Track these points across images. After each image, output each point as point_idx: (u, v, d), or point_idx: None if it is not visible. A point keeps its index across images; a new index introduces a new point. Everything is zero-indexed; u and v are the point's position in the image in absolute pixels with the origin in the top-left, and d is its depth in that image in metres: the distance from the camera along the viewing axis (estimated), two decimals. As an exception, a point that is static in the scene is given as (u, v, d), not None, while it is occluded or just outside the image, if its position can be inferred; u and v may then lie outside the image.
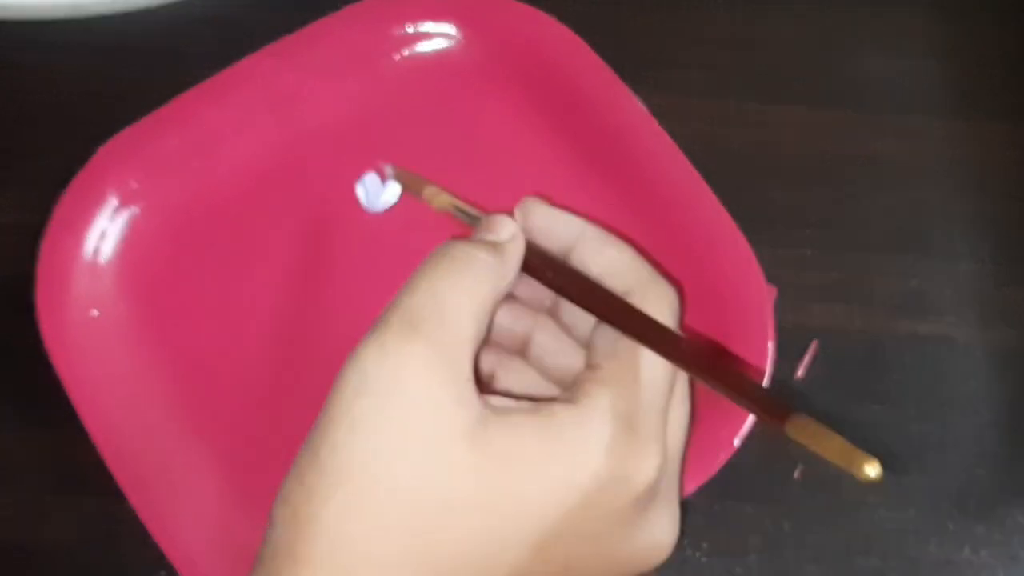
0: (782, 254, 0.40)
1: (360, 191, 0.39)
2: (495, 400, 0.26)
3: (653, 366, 0.27)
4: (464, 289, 0.26)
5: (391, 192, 0.39)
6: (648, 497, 0.27)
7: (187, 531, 0.33)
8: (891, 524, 0.37)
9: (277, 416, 0.36)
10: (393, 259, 0.38)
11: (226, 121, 0.39)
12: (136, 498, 0.33)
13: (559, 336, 0.31)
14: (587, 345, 0.29)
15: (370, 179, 0.39)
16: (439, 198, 0.34)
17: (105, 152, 0.37)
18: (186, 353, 0.37)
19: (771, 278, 0.37)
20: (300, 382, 0.37)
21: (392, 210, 0.39)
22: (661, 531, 0.28)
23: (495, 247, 0.28)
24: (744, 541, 0.36)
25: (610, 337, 0.28)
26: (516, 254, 0.29)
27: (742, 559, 0.36)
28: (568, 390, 0.27)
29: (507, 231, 0.30)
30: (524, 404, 0.26)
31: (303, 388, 0.37)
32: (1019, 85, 0.43)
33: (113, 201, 0.38)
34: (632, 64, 0.42)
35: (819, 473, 0.37)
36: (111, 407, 0.35)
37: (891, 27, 0.44)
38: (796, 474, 0.37)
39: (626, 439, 0.26)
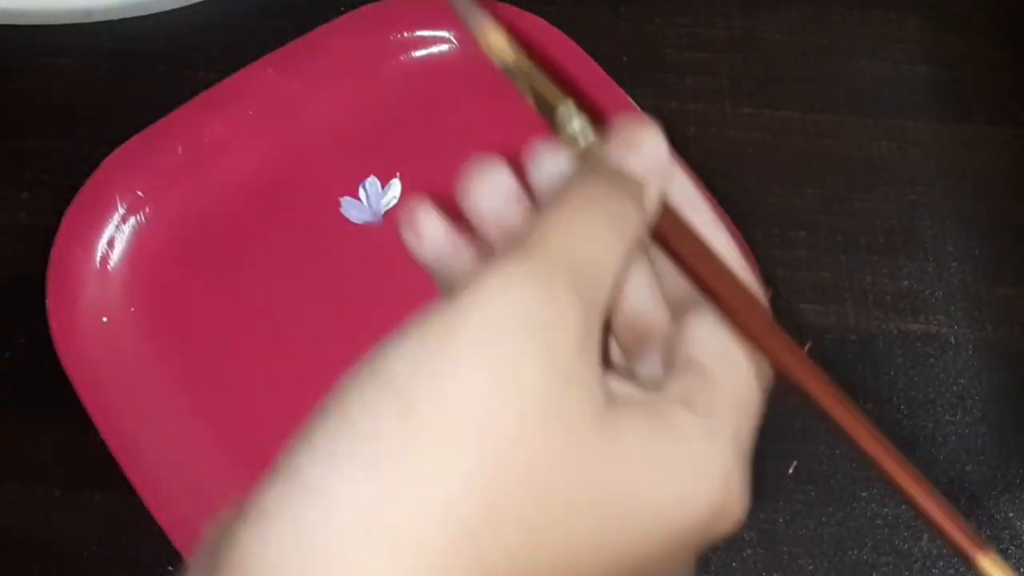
0: (776, 255, 0.41)
1: (347, 208, 0.39)
2: (611, 380, 0.21)
3: (754, 383, 0.23)
4: (609, 242, 0.21)
5: (391, 195, 0.40)
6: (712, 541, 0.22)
7: (198, 526, 0.34)
8: (883, 519, 0.37)
9: (282, 413, 0.37)
10: (394, 261, 0.39)
11: (229, 130, 0.39)
12: (147, 494, 0.34)
13: (652, 286, 0.25)
14: (675, 310, 0.24)
15: (371, 183, 0.40)
16: (504, 51, 0.25)
17: (110, 162, 0.38)
18: (192, 354, 0.37)
19: (765, 279, 0.37)
20: (305, 380, 0.37)
21: (392, 214, 0.40)
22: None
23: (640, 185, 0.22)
24: (739, 535, 0.37)
25: (710, 328, 0.23)
26: (659, 191, 0.23)
27: (737, 553, 0.36)
28: (660, 383, 0.22)
29: (652, 153, 0.23)
30: (631, 389, 0.22)
31: (308, 385, 0.37)
32: (1009, 89, 0.44)
33: (120, 210, 0.38)
34: (629, 68, 0.43)
35: (812, 469, 0.38)
36: (122, 408, 0.35)
37: (885, 32, 0.45)
38: (790, 470, 0.38)
39: (738, 473, 0.22)
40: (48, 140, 0.42)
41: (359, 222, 0.39)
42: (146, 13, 0.43)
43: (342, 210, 0.40)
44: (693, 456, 0.21)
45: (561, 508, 0.19)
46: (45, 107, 0.42)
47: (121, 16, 0.43)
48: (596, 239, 0.21)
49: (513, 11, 0.41)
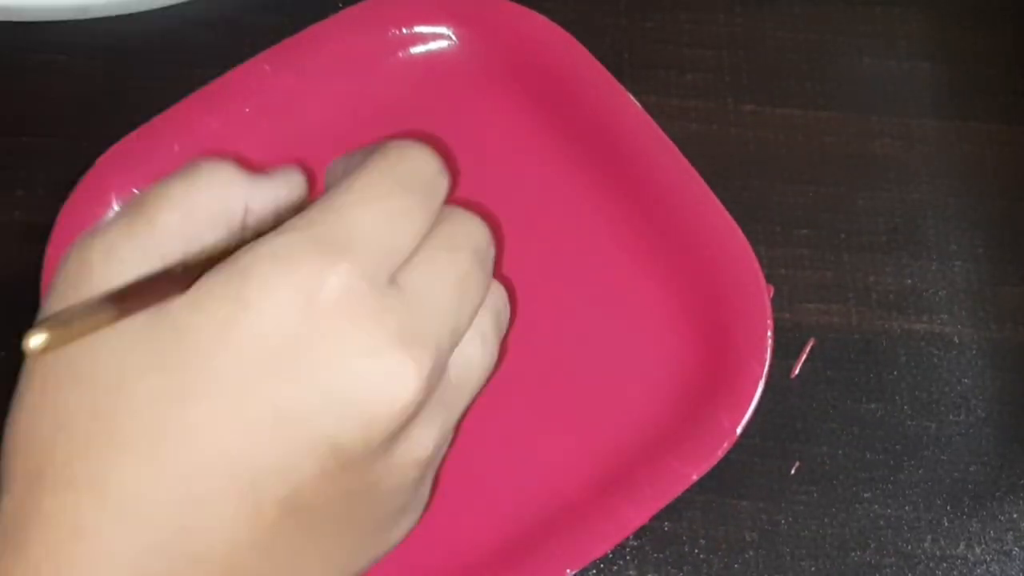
0: (778, 253, 0.40)
1: None
2: None
3: (355, 179, 0.24)
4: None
5: None
6: (351, 310, 0.22)
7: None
8: (886, 520, 0.37)
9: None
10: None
11: (225, 127, 0.39)
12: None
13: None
14: None
15: None
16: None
17: (106, 159, 0.38)
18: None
19: (768, 277, 0.37)
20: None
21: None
22: (391, 362, 0.23)
23: None
24: (741, 537, 0.37)
25: None
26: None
27: (739, 555, 0.36)
28: None
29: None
30: None
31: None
32: (1012, 85, 0.43)
33: (115, 208, 0.38)
34: (630, 65, 0.43)
35: (815, 469, 0.37)
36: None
37: (886, 29, 0.44)
38: (792, 471, 0.37)
39: (297, 249, 0.22)
40: (44, 138, 0.41)
41: None
42: (143, 10, 0.43)
43: None
44: (245, 276, 0.22)
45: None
46: (41, 104, 0.42)
47: (117, 12, 0.43)
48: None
49: (511, 8, 0.41)
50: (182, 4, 0.43)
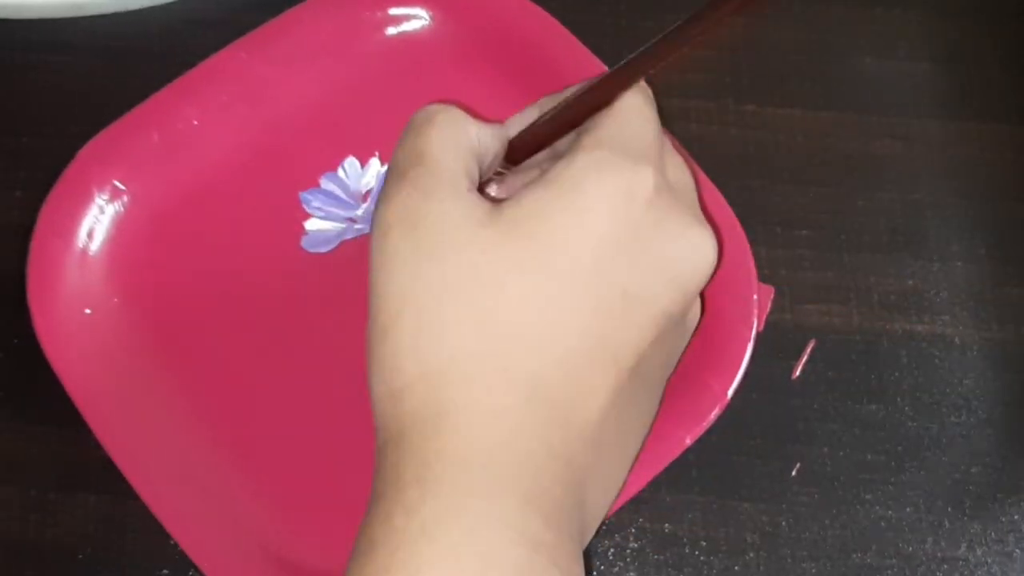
0: (779, 254, 0.40)
1: (310, 228, 0.39)
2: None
3: (628, 102, 0.28)
4: (442, 135, 0.29)
5: (371, 175, 0.39)
6: (660, 203, 0.27)
7: (196, 519, 0.33)
8: (887, 522, 0.37)
9: (273, 398, 0.36)
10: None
11: (204, 115, 0.39)
12: (144, 490, 0.33)
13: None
14: None
15: (350, 164, 0.39)
16: None
17: (87, 152, 0.38)
18: (180, 344, 0.37)
19: (768, 278, 0.37)
20: (293, 366, 0.37)
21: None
22: (696, 237, 0.28)
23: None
24: (741, 538, 0.36)
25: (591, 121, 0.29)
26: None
27: (740, 556, 0.36)
28: None
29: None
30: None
31: (296, 371, 0.37)
32: (1014, 86, 0.43)
33: (98, 200, 0.38)
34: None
35: (816, 471, 0.37)
36: (110, 402, 0.35)
37: (887, 29, 0.44)
38: (793, 472, 0.37)
39: (612, 159, 0.27)
40: (42, 138, 0.41)
41: (323, 250, 0.39)
42: (140, 7, 0.43)
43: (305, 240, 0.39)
44: (560, 180, 0.27)
45: (500, 294, 0.26)
46: (38, 104, 0.42)
47: (115, 10, 0.43)
48: (422, 142, 0.29)
49: (517, 3, 0.40)
50: (180, 2, 0.43)
